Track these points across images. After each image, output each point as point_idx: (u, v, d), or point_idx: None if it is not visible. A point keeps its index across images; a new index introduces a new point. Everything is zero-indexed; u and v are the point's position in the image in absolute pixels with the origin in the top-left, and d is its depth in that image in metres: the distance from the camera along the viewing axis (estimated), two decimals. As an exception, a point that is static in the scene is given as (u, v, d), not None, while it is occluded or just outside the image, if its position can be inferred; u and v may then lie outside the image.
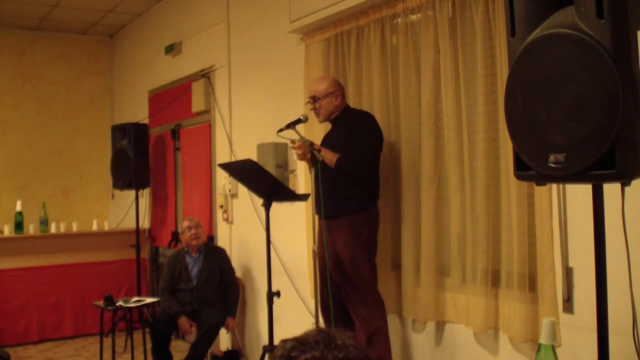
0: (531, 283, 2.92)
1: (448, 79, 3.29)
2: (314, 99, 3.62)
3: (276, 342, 3.69)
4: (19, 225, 6.22)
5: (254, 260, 5.12)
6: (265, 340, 3.98)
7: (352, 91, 3.87)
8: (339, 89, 3.64)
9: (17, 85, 7.46)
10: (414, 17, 3.53)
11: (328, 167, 3.43)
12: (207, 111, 5.75)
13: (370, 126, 3.51)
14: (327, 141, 3.64)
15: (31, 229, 6.43)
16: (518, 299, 2.95)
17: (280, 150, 4.54)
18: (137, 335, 5.24)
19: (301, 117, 3.57)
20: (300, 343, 1.07)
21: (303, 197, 3.79)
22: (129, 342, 5.48)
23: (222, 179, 5.41)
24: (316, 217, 3.43)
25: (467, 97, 3.21)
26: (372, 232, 3.51)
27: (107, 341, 5.19)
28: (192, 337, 5.01)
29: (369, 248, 3.49)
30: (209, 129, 5.75)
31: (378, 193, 3.55)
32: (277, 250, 4.64)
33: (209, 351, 4.92)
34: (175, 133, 6.33)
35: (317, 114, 3.66)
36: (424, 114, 3.43)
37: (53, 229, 6.43)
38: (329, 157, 3.43)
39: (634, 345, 2.02)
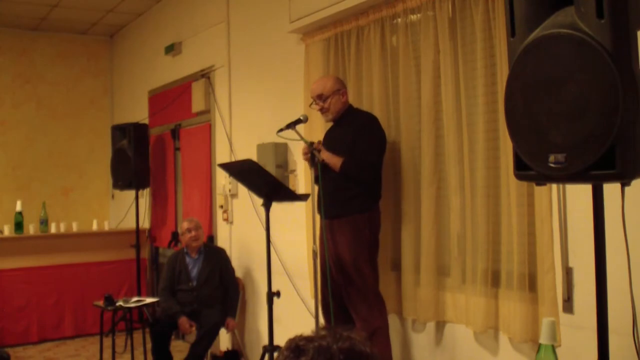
0: (531, 283, 2.92)
1: (448, 79, 3.28)
2: (321, 98, 3.59)
3: (276, 342, 3.70)
4: (19, 225, 6.22)
5: (254, 261, 5.12)
6: (265, 340, 3.97)
7: (352, 91, 3.87)
8: (343, 87, 3.64)
9: (17, 85, 7.46)
10: (414, 17, 3.53)
11: (330, 167, 3.43)
12: (207, 111, 5.75)
13: (375, 128, 3.50)
14: (330, 140, 3.62)
15: (31, 229, 6.43)
16: (518, 299, 2.95)
17: (280, 150, 4.55)
18: (137, 335, 5.24)
19: (301, 117, 3.58)
20: (307, 337, 1.13)
21: (303, 197, 3.80)
22: (129, 342, 5.48)
23: (222, 179, 5.41)
24: (317, 216, 3.43)
25: (467, 97, 3.21)
26: (373, 232, 3.51)
27: (107, 341, 5.18)
28: (192, 337, 5.01)
29: (370, 248, 3.49)
30: (209, 129, 5.75)
31: (380, 193, 3.55)
32: (277, 250, 4.64)
33: (209, 351, 4.92)
34: (175, 133, 6.33)
35: (325, 112, 3.62)
36: (424, 114, 3.43)
37: (53, 229, 6.43)
38: (333, 161, 3.42)
39: (634, 345, 2.02)
